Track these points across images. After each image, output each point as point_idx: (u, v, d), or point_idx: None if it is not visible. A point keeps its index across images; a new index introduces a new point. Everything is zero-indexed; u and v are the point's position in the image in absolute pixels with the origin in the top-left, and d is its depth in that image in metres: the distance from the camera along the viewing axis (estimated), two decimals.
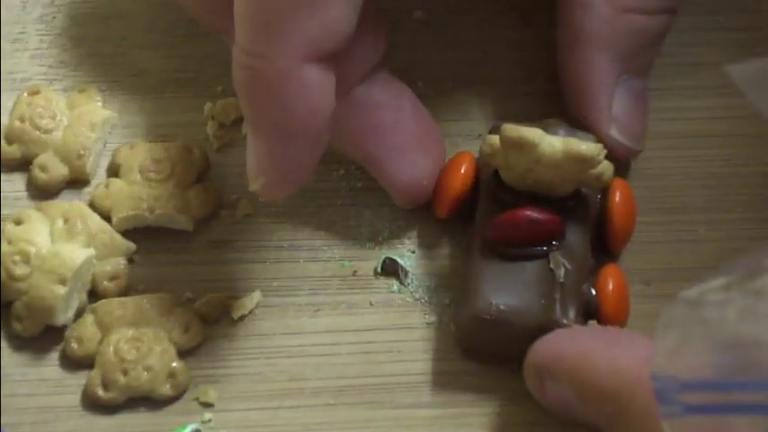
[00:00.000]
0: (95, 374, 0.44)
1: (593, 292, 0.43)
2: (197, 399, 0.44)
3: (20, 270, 0.45)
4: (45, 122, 0.49)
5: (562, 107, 0.47)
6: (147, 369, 0.44)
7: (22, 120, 0.49)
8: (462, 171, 0.45)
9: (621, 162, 0.46)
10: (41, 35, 0.52)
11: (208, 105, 0.49)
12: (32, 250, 0.45)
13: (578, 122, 0.46)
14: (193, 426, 0.44)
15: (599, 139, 0.44)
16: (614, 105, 0.46)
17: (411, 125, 0.46)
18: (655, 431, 0.35)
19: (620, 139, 0.46)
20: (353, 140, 0.45)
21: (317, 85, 0.40)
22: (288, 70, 0.40)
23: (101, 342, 0.45)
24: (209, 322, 0.46)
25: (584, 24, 0.46)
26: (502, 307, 0.42)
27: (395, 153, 0.45)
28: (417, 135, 0.46)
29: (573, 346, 0.41)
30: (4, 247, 0.45)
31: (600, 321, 0.43)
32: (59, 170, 0.48)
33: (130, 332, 0.45)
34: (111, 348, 0.44)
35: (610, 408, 0.39)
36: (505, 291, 0.42)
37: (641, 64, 0.47)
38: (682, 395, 0.32)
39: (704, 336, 0.32)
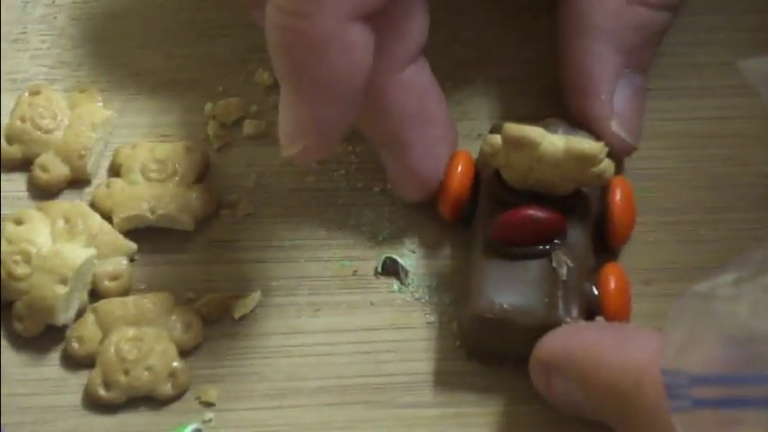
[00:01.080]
0: (96, 374, 0.44)
1: (595, 290, 0.43)
2: (198, 398, 0.44)
3: (21, 270, 0.45)
4: (46, 122, 0.49)
5: (562, 107, 0.47)
6: (148, 369, 0.44)
7: (23, 120, 0.49)
8: (459, 170, 0.45)
9: (619, 162, 0.46)
10: (42, 35, 0.52)
11: (208, 105, 0.49)
12: (33, 250, 0.45)
13: (578, 122, 0.45)
14: (194, 425, 0.44)
15: (599, 138, 0.44)
16: (615, 99, 0.45)
17: (446, 118, 0.46)
18: (664, 425, 0.35)
19: (619, 133, 0.46)
20: (394, 123, 0.44)
21: (362, 44, 0.40)
22: (332, 30, 0.39)
23: (102, 342, 0.45)
24: (209, 322, 0.46)
25: (589, 15, 0.45)
26: (505, 306, 0.42)
27: (425, 143, 0.45)
28: (448, 128, 0.46)
29: (580, 341, 0.41)
30: (5, 246, 0.45)
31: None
32: (60, 170, 0.48)
33: (131, 332, 0.45)
34: (112, 348, 0.44)
35: (617, 402, 0.39)
36: (508, 290, 0.42)
37: (642, 59, 0.46)
38: (691, 389, 0.32)
39: (715, 330, 0.32)
